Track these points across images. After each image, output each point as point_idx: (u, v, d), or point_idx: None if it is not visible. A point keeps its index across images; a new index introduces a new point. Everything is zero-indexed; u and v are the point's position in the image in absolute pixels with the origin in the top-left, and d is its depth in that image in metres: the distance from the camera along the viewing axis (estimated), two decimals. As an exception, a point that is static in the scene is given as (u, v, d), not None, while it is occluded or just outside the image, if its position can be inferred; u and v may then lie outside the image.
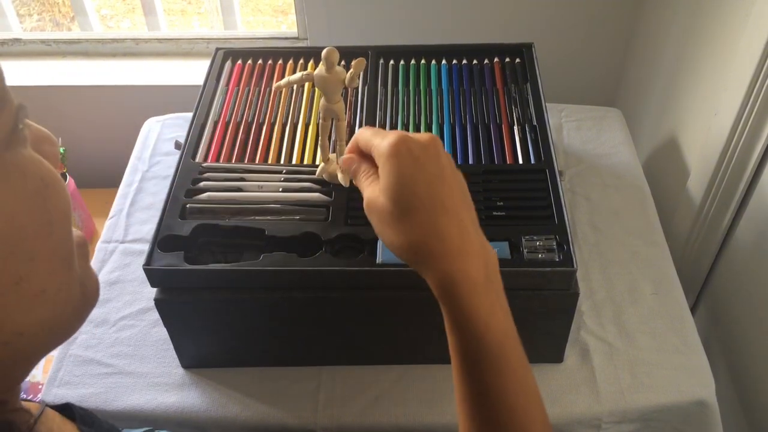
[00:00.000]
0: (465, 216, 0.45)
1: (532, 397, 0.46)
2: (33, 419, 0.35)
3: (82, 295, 0.34)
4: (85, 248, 0.36)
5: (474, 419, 0.46)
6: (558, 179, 0.73)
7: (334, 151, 0.74)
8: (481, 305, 0.43)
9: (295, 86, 0.88)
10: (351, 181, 0.71)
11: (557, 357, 0.76)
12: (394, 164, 0.44)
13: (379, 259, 0.66)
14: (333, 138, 0.74)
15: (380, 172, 0.45)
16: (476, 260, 0.44)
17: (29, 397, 1.30)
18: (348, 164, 0.51)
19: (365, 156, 0.50)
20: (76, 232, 0.35)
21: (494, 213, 0.71)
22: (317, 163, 0.78)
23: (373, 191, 0.46)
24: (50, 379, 0.76)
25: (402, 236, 0.44)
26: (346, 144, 0.55)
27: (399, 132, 0.46)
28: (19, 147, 0.29)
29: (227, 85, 0.88)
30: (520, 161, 0.77)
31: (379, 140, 0.46)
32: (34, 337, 0.31)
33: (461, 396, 0.46)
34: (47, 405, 0.38)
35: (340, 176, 0.71)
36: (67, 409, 0.42)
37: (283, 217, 0.71)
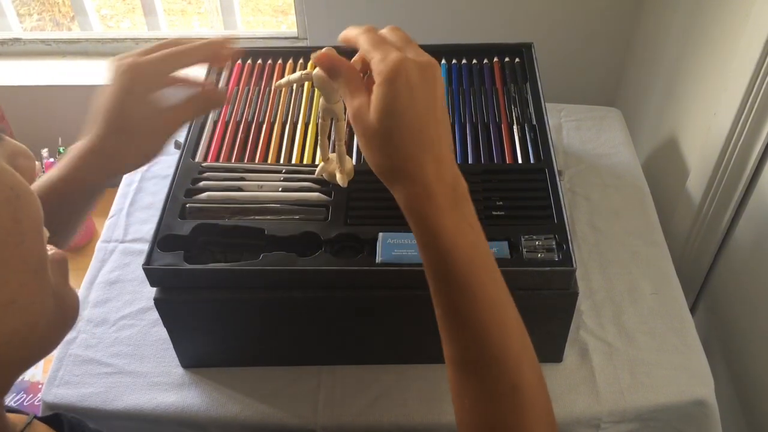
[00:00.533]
0: (444, 147, 0.47)
1: (504, 312, 0.48)
2: None
3: (59, 310, 0.34)
4: (64, 265, 0.36)
5: (450, 340, 0.47)
6: (557, 179, 0.73)
7: (333, 151, 0.74)
8: (446, 225, 0.45)
9: (294, 86, 0.88)
10: (349, 182, 0.71)
11: (557, 357, 0.77)
12: (390, 89, 0.45)
13: (378, 259, 0.66)
14: (332, 138, 0.74)
15: (375, 89, 0.46)
16: (445, 186, 0.46)
17: (28, 398, 1.30)
18: (325, 59, 0.51)
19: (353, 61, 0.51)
20: (55, 250, 0.35)
21: (494, 213, 0.71)
22: (317, 162, 0.78)
23: (361, 103, 0.47)
24: (50, 378, 0.76)
25: (382, 157, 0.47)
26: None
27: (399, 55, 0.46)
28: None
29: (227, 84, 0.88)
30: (520, 161, 0.77)
31: (378, 57, 0.46)
32: (7, 347, 0.31)
33: (438, 319, 0.48)
34: (35, 417, 0.38)
35: (338, 177, 0.71)
36: (55, 420, 0.42)
37: (282, 217, 0.71)
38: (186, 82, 0.58)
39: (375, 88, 0.46)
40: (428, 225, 0.46)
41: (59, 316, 0.34)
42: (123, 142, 0.55)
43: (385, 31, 0.50)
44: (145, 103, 0.55)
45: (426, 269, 0.48)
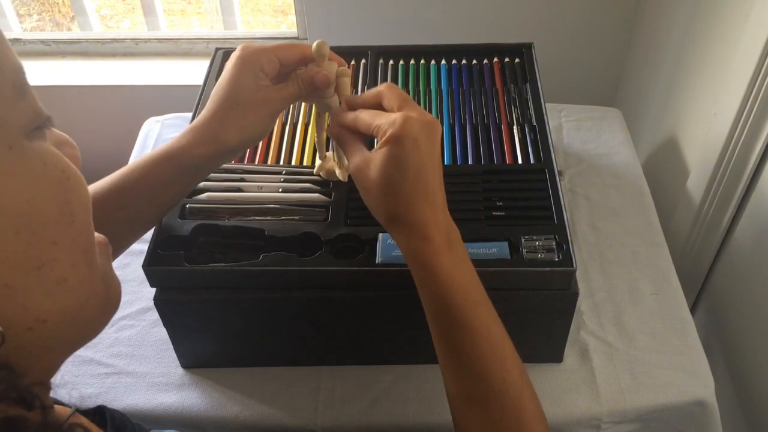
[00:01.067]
0: (439, 197, 0.53)
1: (503, 345, 0.51)
2: (64, 423, 0.35)
3: (106, 294, 0.35)
4: (107, 248, 0.37)
5: (454, 377, 0.51)
6: (557, 179, 0.73)
7: (329, 150, 0.74)
8: (444, 263, 0.50)
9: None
10: (350, 177, 0.71)
11: (557, 357, 0.77)
12: (393, 150, 0.51)
13: (378, 259, 0.66)
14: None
15: (379, 149, 0.52)
16: (441, 230, 0.51)
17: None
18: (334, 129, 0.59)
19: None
20: (98, 234, 0.36)
21: (494, 213, 0.71)
22: (317, 162, 0.78)
23: (363, 159, 0.54)
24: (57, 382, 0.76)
25: (383, 206, 0.53)
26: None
27: (404, 114, 0.52)
28: (40, 140, 0.31)
29: (227, 85, 0.88)
30: (520, 161, 0.77)
31: (383, 121, 0.52)
32: (57, 326, 0.31)
33: (441, 358, 0.52)
34: (78, 410, 0.39)
35: (338, 172, 0.71)
36: (99, 412, 0.42)
37: (282, 217, 0.71)
38: (292, 66, 0.62)
39: (380, 146, 0.52)
40: (427, 265, 0.51)
41: (105, 298, 0.35)
42: (230, 116, 0.59)
43: (383, 89, 0.56)
44: (253, 80, 0.59)
45: (427, 311, 0.52)
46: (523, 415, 0.49)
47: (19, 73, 0.31)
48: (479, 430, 0.49)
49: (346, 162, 0.70)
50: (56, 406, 0.38)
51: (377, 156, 0.52)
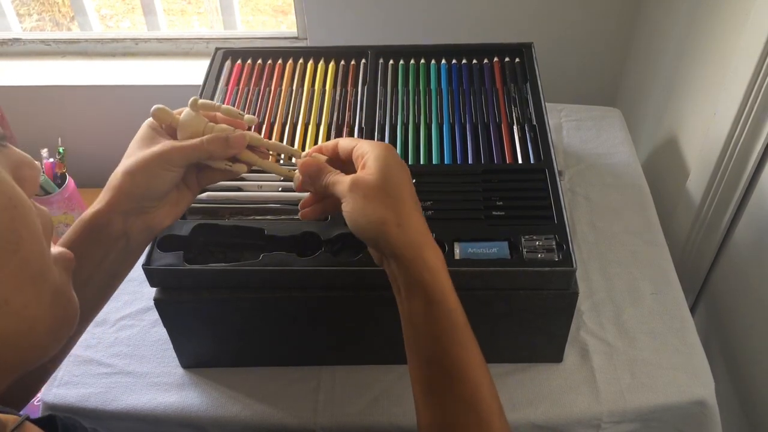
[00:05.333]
0: (422, 216, 0.54)
1: (486, 370, 0.52)
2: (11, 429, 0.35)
3: (59, 315, 0.34)
4: (69, 264, 0.36)
5: (436, 406, 0.50)
6: (557, 179, 0.73)
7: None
8: (447, 281, 0.51)
9: (294, 86, 0.88)
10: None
11: (557, 357, 0.77)
12: (386, 156, 0.54)
13: (378, 259, 0.66)
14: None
15: (370, 160, 0.54)
16: (436, 250, 0.52)
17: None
18: (310, 167, 0.57)
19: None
20: (64, 249, 0.36)
21: (494, 213, 0.71)
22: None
23: (356, 176, 0.54)
24: (50, 378, 0.76)
25: (384, 209, 0.52)
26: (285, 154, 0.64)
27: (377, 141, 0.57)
28: None
29: (227, 85, 0.88)
30: (520, 161, 0.77)
31: (364, 142, 0.56)
32: (1, 349, 0.31)
33: (424, 385, 0.51)
34: (28, 418, 0.38)
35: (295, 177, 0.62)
36: (49, 421, 0.42)
37: (282, 217, 0.71)
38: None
39: (370, 158, 0.54)
40: (435, 283, 0.51)
41: (58, 320, 0.34)
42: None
43: (338, 140, 0.59)
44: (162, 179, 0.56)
45: (423, 335, 0.52)
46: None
47: None
48: None
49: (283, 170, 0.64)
50: (4, 416, 0.37)
51: (372, 167, 0.53)
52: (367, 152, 0.54)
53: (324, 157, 0.60)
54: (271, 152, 0.64)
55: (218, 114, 0.60)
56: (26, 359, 0.34)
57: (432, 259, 0.51)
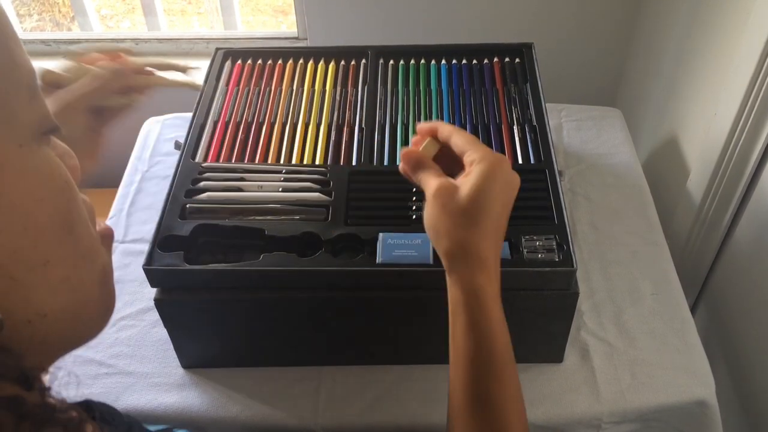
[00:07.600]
0: (502, 237, 0.53)
1: (521, 400, 0.52)
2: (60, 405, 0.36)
3: (104, 296, 0.36)
4: (110, 241, 0.39)
5: (473, 419, 0.51)
6: (558, 179, 0.73)
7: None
8: (497, 310, 0.51)
9: (294, 86, 0.88)
10: (349, 182, 0.70)
11: (557, 357, 0.76)
12: (491, 175, 0.51)
13: (379, 259, 0.66)
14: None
15: (474, 173, 0.51)
16: (497, 276, 0.52)
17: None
18: (411, 158, 0.56)
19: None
20: (105, 224, 0.38)
21: (494, 213, 0.71)
22: (317, 162, 0.78)
23: (447, 180, 0.53)
24: (50, 378, 0.76)
25: (460, 232, 0.51)
26: None
27: (499, 155, 0.53)
28: (46, 146, 0.32)
29: (227, 85, 0.88)
30: (520, 161, 0.77)
31: (481, 153, 0.53)
32: (56, 323, 0.33)
33: (462, 402, 0.52)
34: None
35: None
36: (86, 407, 0.43)
37: (282, 217, 0.71)
38: None
39: (476, 171, 0.51)
40: (485, 307, 0.50)
41: (103, 300, 0.36)
42: None
43: (449, 128, 0.56)
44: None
45: (462, 357, 0.51)
46: None
47: (33, 76, 0.32)
48: None
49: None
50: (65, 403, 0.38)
51: (469, 183, 0.51)
52: (475, 162, 0.52)
53: (437, 145, 0.58)
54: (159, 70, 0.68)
55: (94, 54, 0.63)
56: (82, 335, 0.35)
57: (483, 294, 0.50)
